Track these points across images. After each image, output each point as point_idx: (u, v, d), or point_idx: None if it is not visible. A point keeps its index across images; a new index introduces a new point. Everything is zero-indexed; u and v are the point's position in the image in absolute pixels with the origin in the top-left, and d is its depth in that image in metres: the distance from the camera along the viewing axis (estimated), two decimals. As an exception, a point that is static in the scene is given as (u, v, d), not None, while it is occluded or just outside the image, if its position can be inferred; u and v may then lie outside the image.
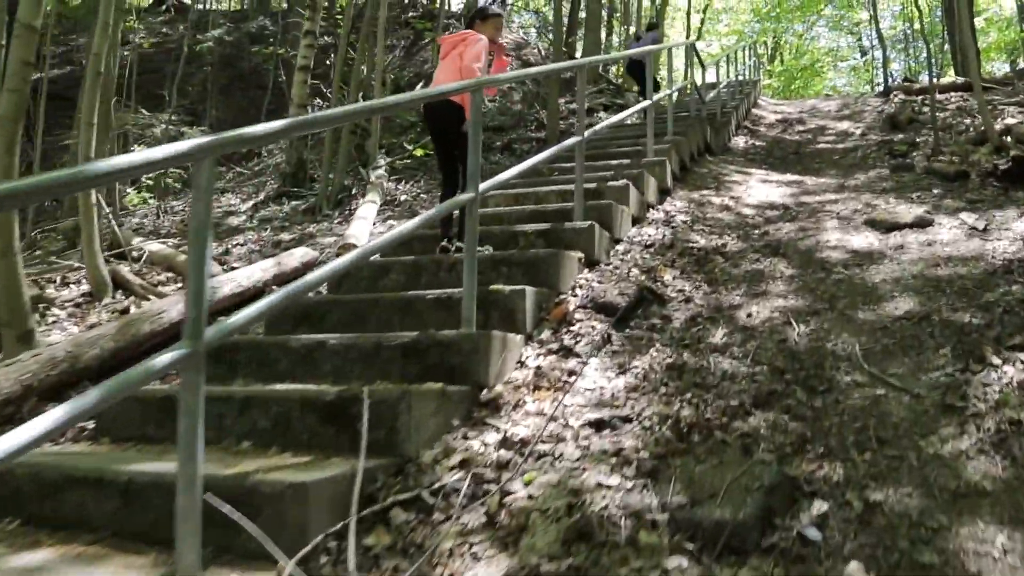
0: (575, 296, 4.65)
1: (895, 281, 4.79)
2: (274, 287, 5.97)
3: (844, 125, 13.84)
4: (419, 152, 10.19)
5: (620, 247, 5.67)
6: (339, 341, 3.81)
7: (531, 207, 5.93)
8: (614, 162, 7.30)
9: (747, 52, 18.76)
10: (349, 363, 3.76)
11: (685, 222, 6.48)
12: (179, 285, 6.13)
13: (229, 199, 10.81)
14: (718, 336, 4.15)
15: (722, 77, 14.88)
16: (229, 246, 7.78)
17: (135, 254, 7.44)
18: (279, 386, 3.50)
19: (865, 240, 5.84)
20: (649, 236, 5.94)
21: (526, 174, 6.20)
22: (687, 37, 21.73)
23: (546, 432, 3.17)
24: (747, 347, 3.97)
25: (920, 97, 13.86)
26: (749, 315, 4.42)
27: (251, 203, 10.18)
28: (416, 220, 3.90)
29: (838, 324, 4.20)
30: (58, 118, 12.68)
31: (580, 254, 5.04)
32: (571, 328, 4.19)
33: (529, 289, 4.19)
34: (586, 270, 5.05)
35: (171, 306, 5.01)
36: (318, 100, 14.13)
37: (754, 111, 15.93)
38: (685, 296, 4.75)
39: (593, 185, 6.24)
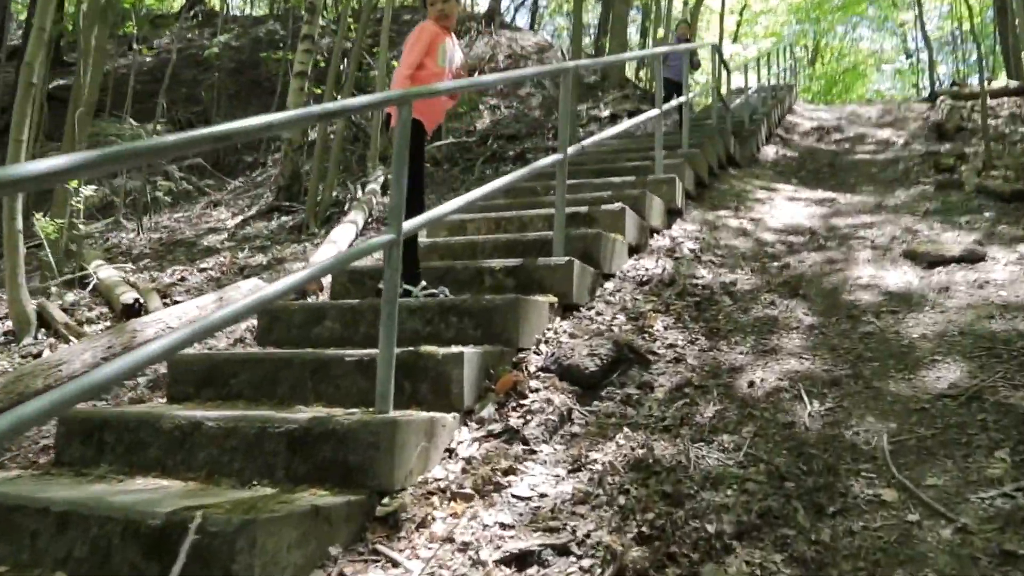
0: (538, 354, 3.79)
1: (938, 338, 3.83)
2: (214, 326, 5.24)
3: (885, 133, 12.73)
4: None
5: (609, 285, 4.79)
6: (217, 423, 3.01)
7: (507, 236, 5.08)
8: (617, 179, 6.42)
9: (783, 54, 17.65)
10: (228, 453, 2.96)
11: (693, 251, 5.56)
12: (108, 324, 5.42)
13: (220, 213, 10.16)
14: (708, 414, 3.25)
15: (755, 82, 13.85)
16: (191, 272, 7.08)
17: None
18: (118, 497, 2.70)
19: (903, 278, 4.86)
20: (647, 270, 5.05)
21: (493, 196, 5.33)
22: (720, 41, 20.65)
23: (448, 572, 2.32)
24: (742, 433, 3.07)
25: (969, 103, 12.66)
26: (751, 384, 3.51)
27: (240, 219, 9.51)
28: (325, 261, 3.10)
29: (862, 401, 3.26)
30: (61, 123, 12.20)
31: (552, 298, 4.18)
32: (523, 401, 3.33)
33: (470, 352, 3.34)
34: (558, 318, 4.18)
35: (75, 356, 4.28)
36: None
37: (788, 118, 14.85)
38: (676, 354, 3.85)
39: (584, 209, 5.37)
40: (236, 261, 7.54)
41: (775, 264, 5.37)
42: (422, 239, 5.61)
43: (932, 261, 5.04)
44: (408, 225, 3.17)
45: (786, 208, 7.26)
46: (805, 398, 3.32)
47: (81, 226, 7.91)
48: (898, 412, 3.13)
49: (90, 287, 6.30)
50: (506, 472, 2.88)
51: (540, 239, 4.83)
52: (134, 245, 8.66)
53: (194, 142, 2.32)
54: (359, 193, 8.91)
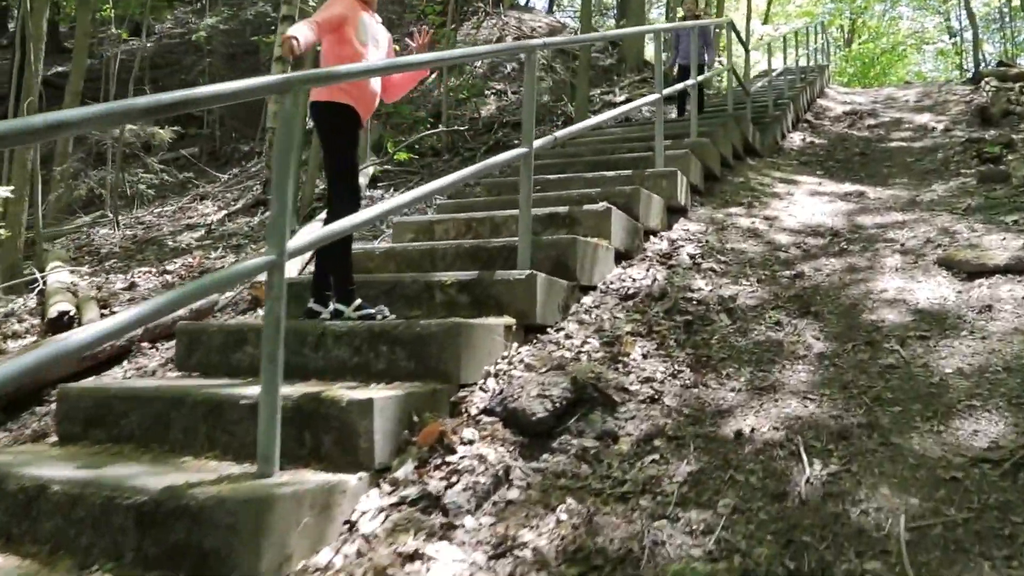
0: (485, 391, 3.17)
1: (977, 374, 3.13)
2: (145, 344, 4.70)
3: (923, 118, 11.82)
4: (402, 156, 8.81)
5: (588, 299, 4.14)
6: (64, 488, 2.45)
7: (471, 242, 4.44)
8: (612, 173, 5.74)
9: (815, 33, 16.70)
10: (74, 526, 2.40)
11: (693, 257, 4.89)
12: (34, 339, 4.91)
13: (205, 208, 9.66)
14: (679, 477, 2.61)
15: (782, 63, 13.00)
16: (152, 275, 6.57)
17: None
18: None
19: (936, 291, 4.15)
20: (634, 281, 4.39)
21: (427, 197, 4.71)
22: (747, 21, 19.68)
23: None
24: (718, 508, 2.42)
25: (1018, 84, 11.72)
26: (739, 435, 2.85)
27: (224, 213, 9.00)
28: (172, 294, 2.50)
29: (876, 463, 2.59)
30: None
31: (509, 320, 3.55)
32: (451, 458, 2.72)
33: (383, 398, 2.73)
34: (516, 344, 3.55)
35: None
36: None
37: (819, 102, 13.96)
38: (652, 391, 3.20)
39: (564, 210, 4.72)
40: (204, 262, 7.01)
41: (787, 273, 4.67)
42: (378, 245, 5.01)
43: (972, 271, 4.31)
44: (296, 243, 2.56)
45: (807, 204, 6.53)
46: (804, 457, 2.65)
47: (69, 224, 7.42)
48: (921, 482, 2.46)
49: (36, 293, 5.82)
50: (411, 557, 2.27)
51: (507, 246, 4.20)
52: (106, 244, 8.19)
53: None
54: None
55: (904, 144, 10.19)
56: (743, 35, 20.92)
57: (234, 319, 4.56)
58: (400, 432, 2.78)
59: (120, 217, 8.80)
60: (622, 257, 4.77)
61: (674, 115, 9.60)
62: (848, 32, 28.66)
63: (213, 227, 8.30)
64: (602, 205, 4.64)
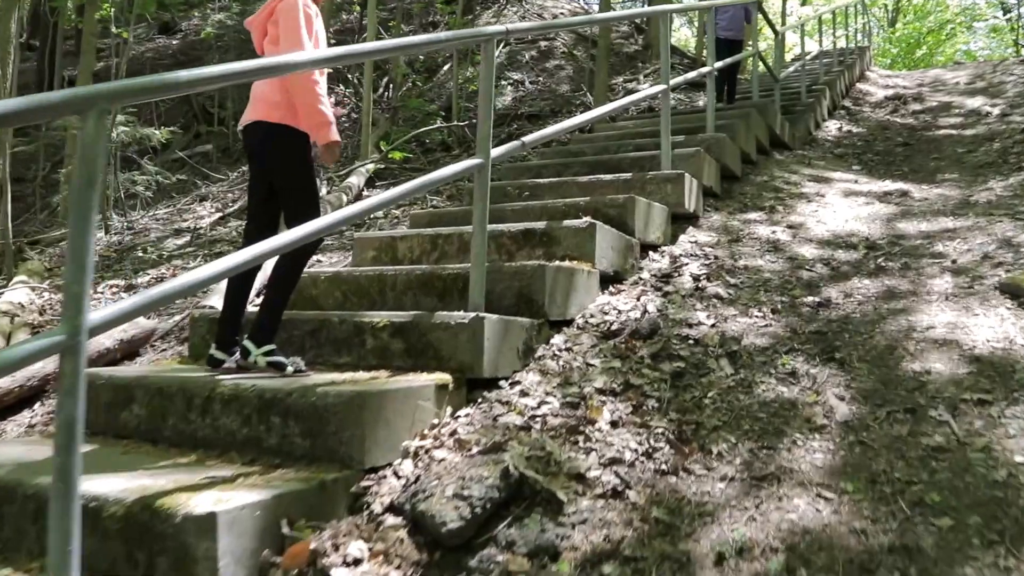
0: (399, 477, 2.41)
1: (1059, 466, 2.27)
2: (53, 380, 4.06)
3: (975, 102, 10.68)
4: (397, 155, 8.06)
5: (559, 339, 3.35)
6: None
7: (423, 268, 3.64)
8: (610, 177, 4.89)
9: (855, 13, 15.48)
10: None
11: (696, 279, 4.05)
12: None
13: (204, 209, 9.05)
14: (633, 634, 1.82)
15: (818, 45, 11.91)
16: (114, 290, 5.94)
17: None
18: None
19: (999, 330, 3.26)
20: (619, 314, 3.58)
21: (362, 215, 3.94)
22: (784, 2, 18.43)
23: None
24: None
25: (1083, 63, 10.50)
26: (721, 558, 2.05)
27: (220, 215, 8.37)
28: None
29: (918, 625, 1.78)
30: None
31: (444, 378, 2.78)
32: (324, 591, 1.97)
33: (235, 508, 1.99)
34: (452, 408, 2.78)
35: None
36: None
37: (859, 86, 12.84)
38: (616, 481, 2.40)
39: (540, 226, 3.92)
40: (179, 273, 6.37)
41: (809, 300, 3.81)
42: (325, 269, 4.27)
43: (1042, 301, 3.42)
44: (97, 317, 1.82)
45: (839, 207, 5.61)
46: (811, 607, 1.85)
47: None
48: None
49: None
50: None
51: (464, 274, 3.42)
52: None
53: None
54: (323, 190, 7.59)
55: (954, 132, 9.12)
56: (779, 16, 19.68)
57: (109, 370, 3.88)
58: (260, 551, 2.05)
59: (111, 222, 8.24)
60: (611, 281, 3.96)
61: (703, 102, 8.68)
62: (892, 11, 27.01)
63: (202, 232, 7.66)
64: (584, 220, 3.82)
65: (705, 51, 8.59)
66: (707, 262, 4.32)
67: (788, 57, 16.63)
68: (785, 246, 4.68)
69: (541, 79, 12.33)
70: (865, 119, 10.44)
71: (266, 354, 2.98)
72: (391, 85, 11.50)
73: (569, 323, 3.49)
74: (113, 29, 9.04)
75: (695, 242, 4.70)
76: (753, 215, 5.33)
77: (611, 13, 5.17)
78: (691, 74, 5.99)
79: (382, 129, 9.83)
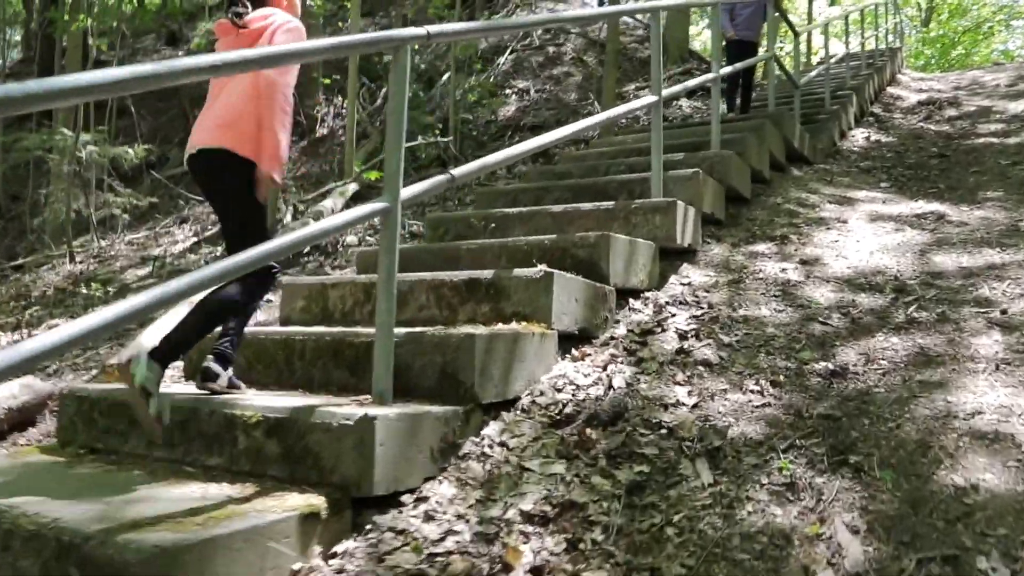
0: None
1: None
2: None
3: (1019, 107, 9.71)
4: (372, 175, 7.36)
5: (493, 429, 2.60)
6: None
7: (335, 332, 2.93)
8: (589, 206, 4.11)
9: (886, 12, 14.48)
10: None
11: (683, 337, 3.28)
12: None
13: (181, 233, 8.45)
14: None
15: (846, 47, 10.98)
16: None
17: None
18: None
19: (1067, 421, 2.44)
20: (577, 391, 2.83)
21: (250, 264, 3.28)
22: (810, 2, 17.37)
23: None
24: None
25: None
26: None
27: (193, 241, 7.77)
28: None
29: None
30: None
31: (315, 503, 2.05)
32: None
33: None
34: (323, 547, 2.05)
35: None
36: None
37: (890, 90, 11.88)
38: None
39: (487, 276, 3.17)
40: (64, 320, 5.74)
41: (820, 367, 3.02)
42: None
43: (1124, 379, 2.59)
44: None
45: (865, 235, 4.78)
46: None
47: None
48: None
49: None
50: None
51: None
52: (46, 283, 7.06)
53: None
54: (287, 217, 6.91)
55: (995, 141, 8.18)
56: (805, 16, 18.65)
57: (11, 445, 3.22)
58: None
59: (93, 245, 7.69)
60: (576, 341, 3.21)
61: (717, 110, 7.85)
62: (926, 10, 25.73)
63: (168, 261, 7.05)
64: (538, 270, 3.07)
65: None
66: (698, 312, 3.54)
67: (814, 60, 15.68)
68: (796, 288, 3.88)
69: (548, 87, 11.57)
70: (896, 127, 9.52)
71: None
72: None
73: (512, 403, 2.75)
74: (91, 41, 8.49)
75: (688, 284, 3.92)
76: (761, 247, 4.53)
77: (582, 11, 4.37)
78: (691, 82, 5.18)
79: (373, 143, 9.16)
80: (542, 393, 2.79)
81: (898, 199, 5.83)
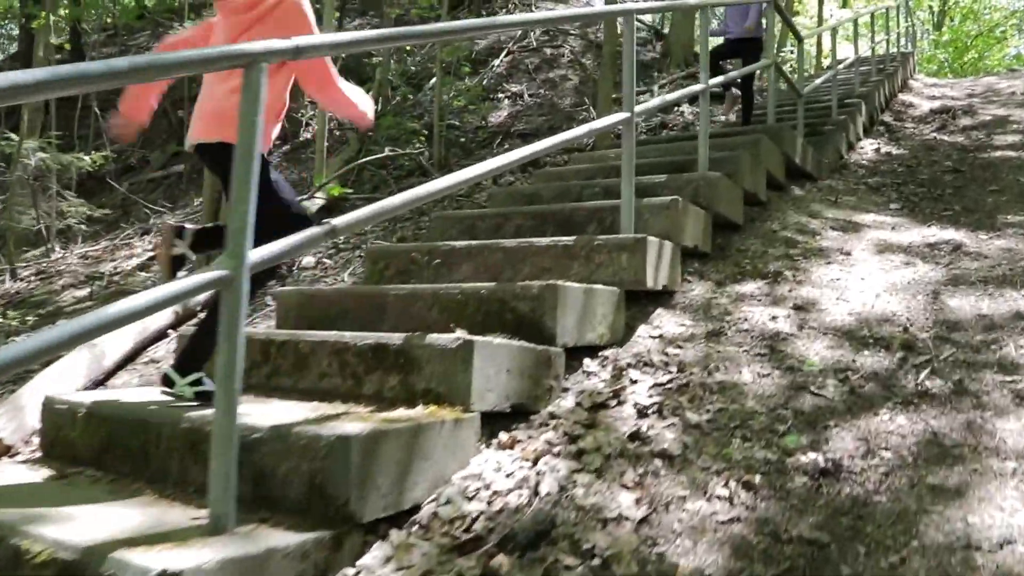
0: None
1: None
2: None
3: (1039, 117, 8.97)
4: (334, 191, 6.71)
5: (373, 558, 1.96)
6: None
7: (196, 418, 2.33)
8: (546, 241, 3.45)
9: (897, 16, 13.70)
10: None
11: (642, 413, 2.64)
12: None
13: (141, 247, 7.85)
14: None
15: (855, 51, 10.24)
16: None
17: None
18: None
19: None
20: (494, 498, 2.19)
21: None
22: (820, 5, 16.58)
23: None
24: None
25: None
26: None
27: (147, 258, 7.17)
28: None
29: None
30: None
31: None
32: None
33: None
34: None
35: None
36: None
37: (902, 96, 11.15)
38: None
39: (396, 342, 2.53)
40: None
41: (807, 460, 2.36)
42: (88, 398, 2.94)
43: None
44: None
45: (870, 271, 4.11)
46: None
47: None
48: None
49: None
50: None
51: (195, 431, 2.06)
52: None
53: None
54: None
55: (1013, 155, 7.46)
56: (816, 19, 17.86)
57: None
58: None
59: (21, 265, 7.09)
60: (509, 420, 2.57)
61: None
62: (938, 14, 24.78)
63: (116, 280, 6.47)
64: (455, 337, 2.42)
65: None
66: (665, 378, 2.90)
67: (825, 63, 14.95)
68: (786, 343, 3.22)
69: (543, 91, 10.90)
70: (907, 137, 8.80)
71: (193, 384, 2.57)
72: (378, 99, 10.21)
73: (410, 515, 2.12)
74: (52, 40, 7.93)
75: (659, 336, 3.27)
76: (750, 286, 3.86)
77: (516, 17, 3.67)
78: (671, 95, 4.49)
79: (352, 149, 8.53)
80: (449, 501, 2.15)
81: (909, 224, 5.14)
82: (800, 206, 5.36)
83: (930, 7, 24.31)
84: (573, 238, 3.43)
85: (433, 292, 3.06)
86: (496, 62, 11.47)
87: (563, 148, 4.14)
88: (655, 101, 4.24)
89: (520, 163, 3.21)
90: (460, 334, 2.42)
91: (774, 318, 3.46)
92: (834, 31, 8.41)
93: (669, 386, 2.82)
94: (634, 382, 2.84)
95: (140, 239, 8.01)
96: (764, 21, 6.56)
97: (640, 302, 3.49)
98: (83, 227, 7.78)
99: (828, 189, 6.14)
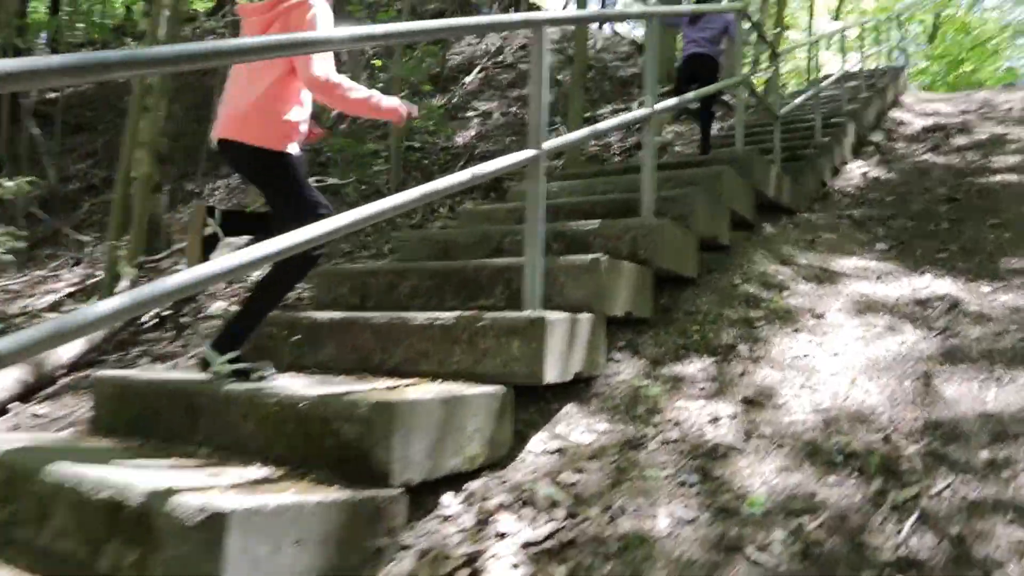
0: None
1: None
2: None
3: (1041, 137, 8.07)
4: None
5: None
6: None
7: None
8: (420, 320, 2.62)
9: (888, 28, 12.80)
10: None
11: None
12: None
13: (72, 277, 7.02)
14: None
15: (841, 67, 9.34)
16: None
17: None
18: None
19: None
20: None
21: None
22: (811, 17, 15.67)
23: None
24: None
25: None
26: None
27: (67, 292, 6.35)
28: None
29: None
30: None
31: None
32: None
33: None
34: None
35: None
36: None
37: (893, 113, 10.23)
38: None
39: (136, 502, 1.67)
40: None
41: None
42: None
43: None
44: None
45: (846, 342, 3.22)
46: None
47: None
48: None
49: None
50: None
51: None
52: None
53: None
54: (124, 282, 5.44)
55: (1013, 179, 6.56)
56: (807, 32, 16.95)
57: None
58: None
59: None
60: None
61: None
62: (932, 27, 23.80)
63: (19, 323, 5.64)
64: (198, 507, 1.56)
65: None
66: (547, 529, 2.02)
67: (814, 77, 14.06)
68: (725, 464, 2.34)
69: (515, 108, 10.04)
70: (898, 159, 7.90)
71: (231, 361, 2.48)
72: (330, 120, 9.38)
73: None
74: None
75: (557, 451, 2.39)
76: (693, 366, 2.98)
77: (413, 24, 2.81)
78: (602, 124, 3.59)
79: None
80: None
81: (897, 270, 4.26)
82: (771, 249, 4.47)
83: (923, 20, 23.35)
84: (455, 316, 2.56)
85: (249, 398, 2.20)
86: (468, 79, 10.62)
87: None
88: (572, 136, 3.33)
89: (412, 207, 2.38)
90: (207, 502, 1.54)
91: (715, 420, 2.58)
92: (814, 46, 7.49)
93: (549, 544, 1.95)
94: (501, 536, 1.97)
95: (70, 271, 7.18)
96: (729, 32, 5.67)
97: (544, 397, 2.62)
98: (9, 256, 6.95)
99: (806, 225, 5.25)
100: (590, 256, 2.88)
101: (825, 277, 4.06)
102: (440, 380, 2.40)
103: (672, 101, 4.18)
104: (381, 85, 9.18)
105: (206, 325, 4.88)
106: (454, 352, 2.52)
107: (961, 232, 5.14)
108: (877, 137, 8.85)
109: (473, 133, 9.41)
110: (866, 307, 3.63)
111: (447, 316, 2.57)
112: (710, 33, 5.82)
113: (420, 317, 2.63)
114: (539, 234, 2.71)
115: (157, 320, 4.86)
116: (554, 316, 2.51)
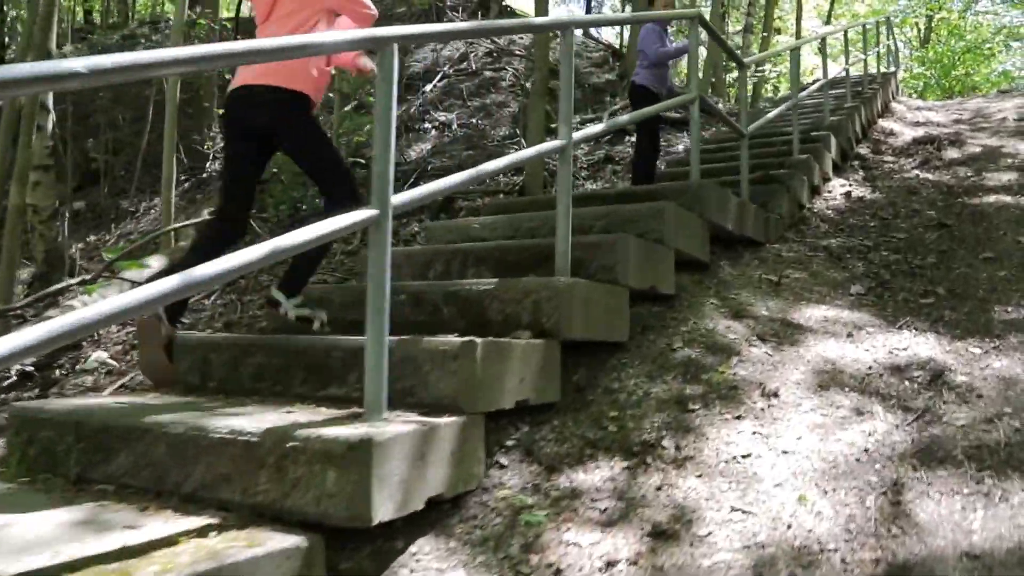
0: None
1: None
2: None
3: (1038, 151, 7.45)
4: (132, 267, 5.19)
5: None
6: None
7: None
8: (216, 436, 2.00)
9: (878, 32, 12.17)
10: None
11: None
12: None
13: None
14: None
15: (824, 73, 8.70)
16: None
17: None
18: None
19: None
20: None
21: None
22: (798, 22, 15.04)
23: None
24: None
25: None
26: None
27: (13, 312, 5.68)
28: None
29: None
30: None
31: None
32: None
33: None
34: None
35: None
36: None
37: (882, 123, 9.60)
38: None
39: None
40: None
41: None
42: None
43: None
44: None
45: (798, 434, 2.57)
46: None
47: None
48: None
49: None
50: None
51: None
52: None
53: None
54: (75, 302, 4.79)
55: (1009, 200, 5.93)
56: (792, 38, 16.31)
57: None
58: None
59: None
60: None
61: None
62: (924, 30, 23.19)
63: None
64: None
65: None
66: None
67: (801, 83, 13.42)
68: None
69: (476, 119, 9.38)
70: (885, 175, 7.26)
71: (297, 307, 2.90)
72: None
73: None
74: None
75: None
76: (598, 474, 2.33)
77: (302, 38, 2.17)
78: (489, 165, 2.87)
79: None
80: None
81: (872, 323, 3.61)
82: (724, 297, 3.81)
83: (915, 24, 22.76)
84: (261, 432, 1.91)
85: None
86: (428, 87, 9.97)
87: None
88: (419, 191, 2.58)
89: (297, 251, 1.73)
90: None
91: (609, 567, 1.93)
92: (795, 52, 6.84)
93: None
94: None
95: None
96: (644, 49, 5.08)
97: (385, 533, 1.97)
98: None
99: (773, 261, 4.61)
100: (459, 341, 2.22)
101: (786, 335, 3.41)
102: (221, 530, 1.75)
103: (596, 128, 3.51)
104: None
105: (77, 381, 4.22)
106: (259, 478, 1.88)
107: (950, 268, 4.50)
108: (864, 149, 8.23)
109: (429, 147, 8.76)
110: (830, 379, 2.98)
111: (252, 430, 1.92)
112: (644, 58, 5.26)
113: (223, 428, 1.97)
114: (383, 311, 2.06)
115: (17, 376, 4.19)
116: (390, 433, 1.86)
